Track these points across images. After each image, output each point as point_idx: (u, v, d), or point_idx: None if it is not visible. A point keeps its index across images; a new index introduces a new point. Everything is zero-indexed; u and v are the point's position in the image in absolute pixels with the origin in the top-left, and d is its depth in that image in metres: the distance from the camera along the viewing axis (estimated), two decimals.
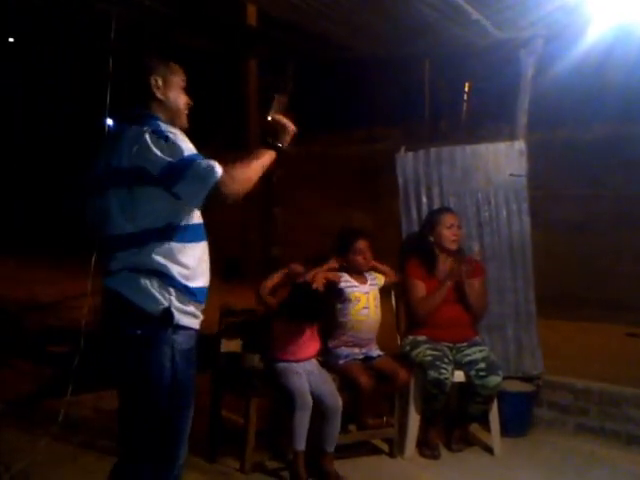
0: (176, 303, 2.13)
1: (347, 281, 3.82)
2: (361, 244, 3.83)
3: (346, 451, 3.66)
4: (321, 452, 3.44)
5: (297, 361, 3.54)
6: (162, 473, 2.19)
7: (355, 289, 3.82)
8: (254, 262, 7.94)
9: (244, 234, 8.38)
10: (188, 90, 2.37)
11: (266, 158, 2.25)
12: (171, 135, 2.10)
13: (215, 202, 2.09)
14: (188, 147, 2.11)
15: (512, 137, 4.54)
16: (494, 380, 3.71)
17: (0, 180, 12.25)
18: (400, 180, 4.40)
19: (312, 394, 3.37)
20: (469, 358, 3.84)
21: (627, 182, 7.41)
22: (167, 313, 2.11)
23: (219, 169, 2.06)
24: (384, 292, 4.01)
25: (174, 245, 2.14)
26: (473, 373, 3.76)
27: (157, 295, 2.12)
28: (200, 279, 2.22)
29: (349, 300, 3.79)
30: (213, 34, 5.07)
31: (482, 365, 3.76)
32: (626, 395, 4.03)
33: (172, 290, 2.13)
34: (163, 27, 4.75)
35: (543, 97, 5.12)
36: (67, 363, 3.79)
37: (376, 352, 3.85)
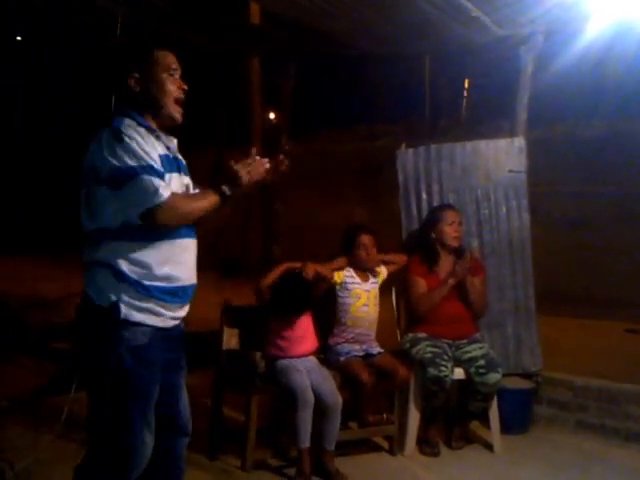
0: (126, 298, 2.12)
1: (351, 276, 3.85)
2: (365, 239, 3.85)
3: (346, 448, 3.67)
4: (321, 450, 3.45)
5: (292, 357, 3.55)
6: (113, 470, 2.19)
7: (357, 286, 3.84)
8: (254, 259, 7.95)
9: (244, 231, 8.39)
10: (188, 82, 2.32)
11: (210, 200, 2.21)
12: (127, 138, 2.09)
13: (145, 222, 2.08)
14: (143, 156, 2.09)
15: (512, 134, 4.55)
16: (494, 377, 3.72)
17: (2, 179, 12.27)
18: (400, 177, 4.41)
19: (312, 391, 3.38)
20: (469, 355, 3.85)
21: (627, 178, 7.42)
22: (114, 307, 2.11)
23: (164, 194, 2.06)
24: (384, 289, 4.02)
25: (130, 243, 2.13)
26: (473, 370, 3.77)
27: (107, 289, 2.13)
28: (164, 277, 2.18)
29: (350, 296, 3.81)
30: (216, 33, 5.06)
31: (482, 362, 3.77)
32: (625, 392, 4.03)
33: (124, 285, 2.12)
34: (166, 25, 4.75)
35: (543, 94, 5.12)
36: (70, 360, 3.80)
37: (376, 349, 3.86)
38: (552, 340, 4.65)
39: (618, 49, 6.12)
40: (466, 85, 10.92)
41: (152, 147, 2.16)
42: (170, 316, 2.24)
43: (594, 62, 6.67)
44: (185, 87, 2.30)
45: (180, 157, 2.36)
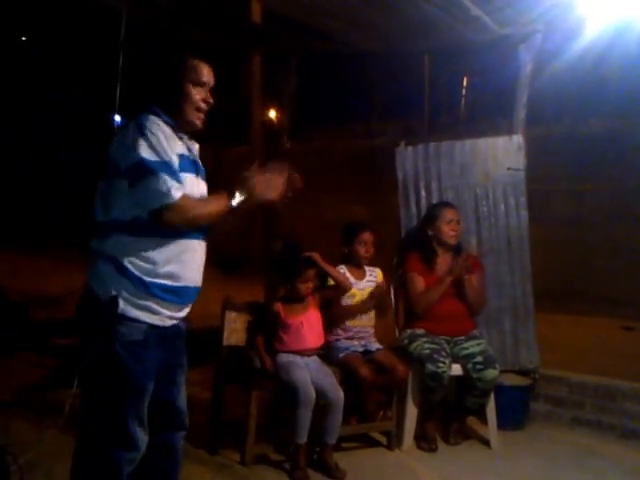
0: (126, 294, 2.13)
1: (345, 274, 3.87)
2: (366, 236, 3.88)
3: (345, 443, 3.71)
4: (322, 444, 3.48)
5: (299, 352, 3.58)
6: (106, 464, 2.19)
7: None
8: (255, 256, 7.97)
9: (245, 229, 8.40)
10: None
11: (220, 207, 2.22)
12: (149, 133, 2.10)
13: (154, 220, 2.10)
14: (162, 153, 2.11)
15: (510, 132, 4.56)
16: (491, 373, 3.75)
17: (5, 175, 12.28)
18: (399, 174, 4.43)
19: (314, 388, 3.40)
20: (466, 351, 3.87)
21: (624, 176, 7.45)
22: (113, 301, 2.12)
23: (175, 195, 2.07)
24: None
25: (138, 239, 2.15)
26: (470, 366, 3.80)
27: (108, 282, 2.14)
28: (167, 275, 2.19)
29: (345, 296, 3.84)
30: (218, 31, 5.07)
31: (479, 358, 3.80)
32: (621, 389, 4.07)
33: (125, 280, 2.13)
34: (168, 23, 4.77)
35: (542, 92, 5.15)
36: (73, 355, 3.81)
37: (375, 346, 3.89)
38: (549, 337, 4.69)
39: (617, 48, 6.14)
40: (465, 83, 10.94)
41: (173, 145, 2.18)
42: (168, 315, 2.24)
43: (593, 61, 6.70)
44: (210, 101, 2.32)
45: (199, 162, 2.37)
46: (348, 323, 3.86)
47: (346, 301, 3.85)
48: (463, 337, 3.96)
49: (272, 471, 3.49)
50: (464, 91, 11.02)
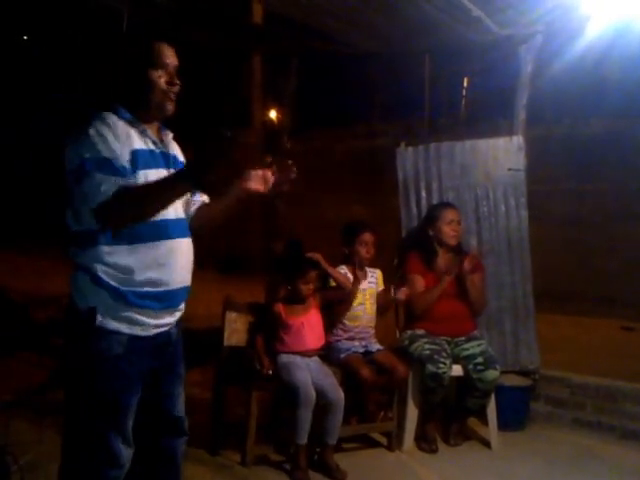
0: (103, 305, 2.01)
1: (346, 275, 3.87)
2: (367, 236, 3.88)
3: (345, 443, 3.71)
4: (322, 445, 3.48)
5: (300, 353, 3.58)
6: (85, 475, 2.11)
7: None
8: (255, 256, 7.98)
9: (245, 229, 8.40)
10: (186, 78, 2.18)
11: (166, 189, 1.89)
12: (93, 131, 1.96)
13: (97, 222, 1.94)
14: (103, 150, 1.94)
15: (511, 132, 4.58)
16: (492, 374, 3.75)
17: (5, 175, 12.27)
18: (400, 175, 4.43)
19: (314, 388, 3.40)
20: (467, 352, 3.87)
21: (625, 177, 7.46)
22: (91, 313, 2.00)
23: (108, 190, 1.87)
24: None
25: (110, 246, 2.00)
26: (471, 367, 3.80)
27: (86, 293, 2.03)
28: (148, 282, 2.03)
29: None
30: (218, 31, 5.08)
31: (480, 359, 3.80)
32: (622, 390, 4.07)
33: (101, 291, 2.00)
34: (169, 23, 4.77)
35: (542, 93, 5.16)
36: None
37: (375, 346, 3.89)
38: (549, 337, 4.69)
39: (617, 49, 6.15)
40: (465, 84, 10.95)
41: (125, 140, 2.01)
42: (154, 324, 2.10)
43: (593, 62, 6.70)
44: (177, 82, 2.13)
45: (174, 153, 2.21)
46: (349, 323, 3.85)
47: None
48: (464, 338, 3.96)
49: (273, 472, 3.49)
50: (465, 92, 11.03)
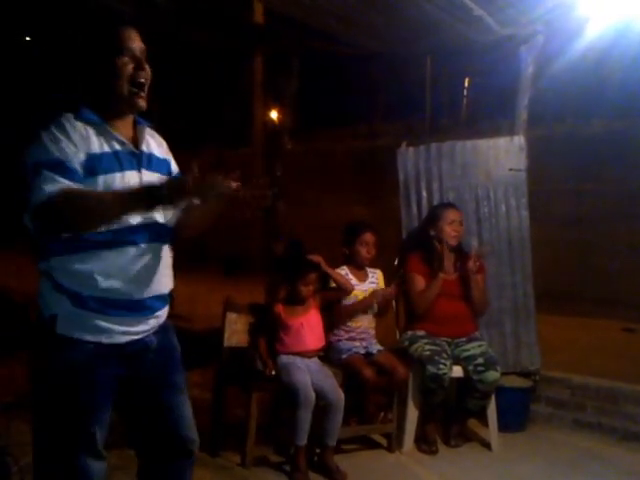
0: (65, 312, 1.90)
1: (347, 276, 3.86)
2: (368, 237, 3.88)
3: (345, 445, 3.71)
4: (322, 446, 3.48)
5: (300, 354, 3.57)
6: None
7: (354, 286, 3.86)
8: (255, 256, 7.97)
9: (246, 230, 8.41)
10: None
11: (124, 202, 1.80)
12: (45, 135, 1.85)
13: (34, 226, 1.86)
14: (53, 152, 1.82)
15: (512, 132, 4.57)
16: (492, 375, 3.74)
17: (5, 175, 12.27)
18: (401, 175, 4.43)
19: (314, 389, 3.39)
20: (467, 353, 3.86)
21: (626, 177, 7.44)
22: (52, 320, 1.91)
23: (49, 190, 1.76)
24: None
25: (73, 254, 1.89)
26: (471, 368, 3.79)
27: (48, 300, 1.94)
28: (113, 290, 1.91)
29: (347, 297, 3.83)
30: (218, 31, 5.07)
31: (480, 360, 3.79)
32: (623, 391, 4.05)
33: (63, 298, 1.90)
34: (170, 24, 4.77)
35: (543, 93, 5.15)
36: None
37: (376, 347, 3.88)
38: (550, 339, 4.67)
39: (618, 49, 6.15)
40: (466, 84, 10.95)
41: (81, 144, 1.87)
42: (122, 331, 1.96)
43: (594, 62, 6.70)
44: (146, 68, 1.97)
45: (149, 151, 2.06)
46: (350, 324, 3.85)
47: (348, 302, 3.84)
48: (464, 339, 3.95)
49: (272, 473, 3.48)
50: (466, 92, 11.03)
